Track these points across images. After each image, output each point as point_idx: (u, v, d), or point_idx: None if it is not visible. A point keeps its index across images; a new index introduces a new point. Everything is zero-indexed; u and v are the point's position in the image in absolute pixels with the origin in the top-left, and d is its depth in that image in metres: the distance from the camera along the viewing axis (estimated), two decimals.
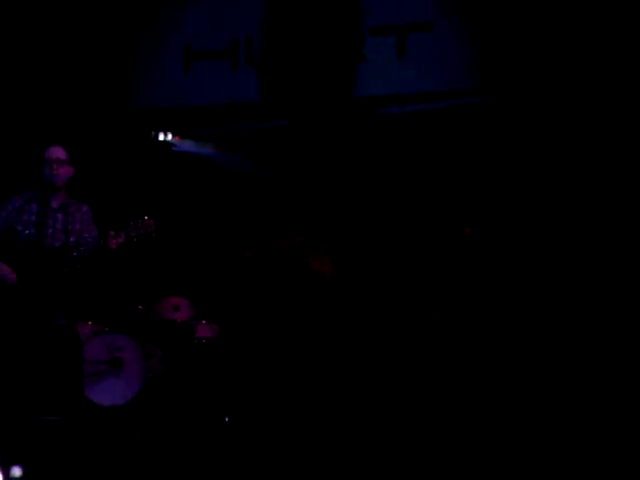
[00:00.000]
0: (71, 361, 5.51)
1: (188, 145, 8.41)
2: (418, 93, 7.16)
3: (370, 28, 7.19)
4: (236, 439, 6.13)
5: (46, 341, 5.43)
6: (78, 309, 5.83)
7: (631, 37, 6.33)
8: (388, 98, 7.30)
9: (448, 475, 5.05)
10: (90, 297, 7.09)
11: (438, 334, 6.79)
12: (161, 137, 8.29)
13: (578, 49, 6.49)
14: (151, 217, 5.59)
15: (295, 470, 5.11)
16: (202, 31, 7.64)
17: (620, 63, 6.40)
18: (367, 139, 7.59)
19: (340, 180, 7.83)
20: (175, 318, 7.25)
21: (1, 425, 5.24)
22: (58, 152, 5.59)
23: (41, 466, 4.76)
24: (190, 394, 7.06)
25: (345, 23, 7.22)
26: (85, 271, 5.71)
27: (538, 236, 6.72)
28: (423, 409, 6.32)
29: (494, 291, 6.81)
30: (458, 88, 6.97)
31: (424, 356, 6.81)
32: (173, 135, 8.29)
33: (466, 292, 6.84)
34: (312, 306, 7.37)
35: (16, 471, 4.42)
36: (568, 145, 6.71)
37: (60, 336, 5.49)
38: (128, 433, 6.02)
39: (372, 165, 7.69)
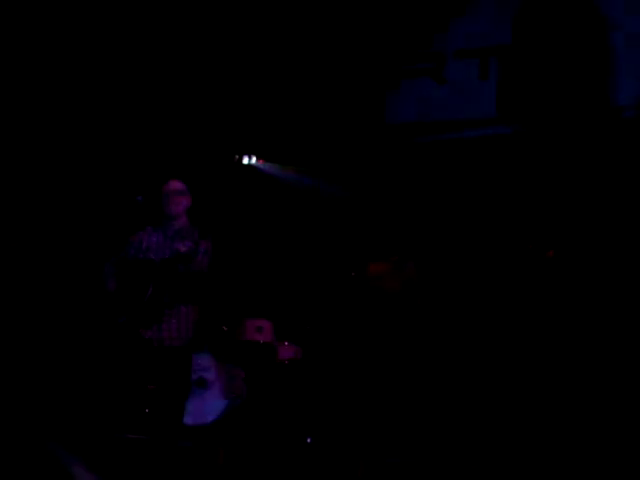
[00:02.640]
0: (176, 384, 5.56)
1: (273, 168, 8.51)
2: None
3: None
4: (318, 461, 6.12)
5: (135, 356, 5.50)
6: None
7: None
8: None
9: None
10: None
11: (517, 355, 6.69)
12: (245, 161, 8.41)
13: None
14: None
15: None
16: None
17: None
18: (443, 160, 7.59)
19: (415, 200, 7.84)
20: (258, 339, 7.30)
21: (87, 442, 5.34)
22: (176, 184, 5.75)
23: None
24: (273, 415, 7.09)
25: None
26: (173, 290, 5.78)
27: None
28: (500, 433, 6.22)
29: (568, 316, 6.69)
30: None
31: (503, 379, 6.71)
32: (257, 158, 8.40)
33: (542, 315, 6.72)
34: (394, 329, 7.34)
35: None
36: None
37: (170, 357, 5.55)
38: (212, 453, 6.06)
39: (448, 183, 7.67)
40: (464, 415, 6.72)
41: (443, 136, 7.87)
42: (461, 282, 7.60)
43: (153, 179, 5.92)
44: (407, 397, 6.92)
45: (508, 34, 7.60)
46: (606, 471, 5.00)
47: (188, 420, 6.71)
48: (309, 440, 6.58)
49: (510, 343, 6.83)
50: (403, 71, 7.97)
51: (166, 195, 5.70)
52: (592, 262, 6.65)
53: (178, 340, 5.52)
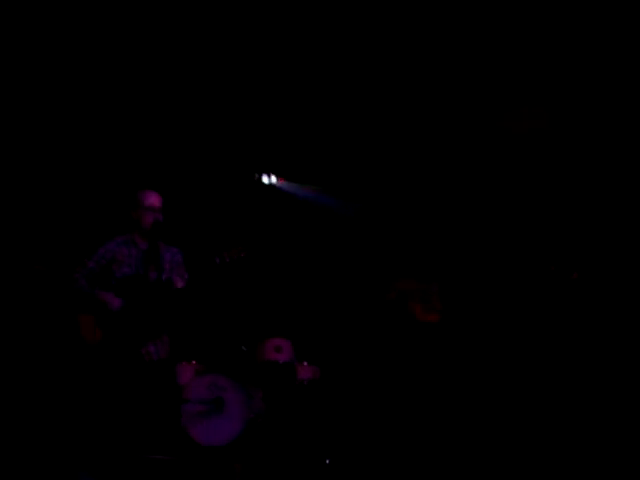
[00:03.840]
0: (173, 399, 5.55)
1: (292, 187, 8.51)
2: None
3: None
4: None
5: (145, 375, 5.49)
6: (181, 346, 5.90)
7: None
8: None
9: None
10: (193, 336, 7.19)
11: (551, 384, 6.62)
12: (265, 180, 8.43)
13: None
14: (242, 245, 5.63)
15: None
16: None
17: None
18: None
19: (437, 221, 7.83)
20: (277, 359, 7.26)
21: (107, 462, 5.32)
22: (154, 199, 5.69)
23: None
24: (291, 435, 7.04)
25: None
26: (189, 310, 5.79)
27: None
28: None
29: (593, 336, 6.63)
30: None
31: (527, 401, 6.64)
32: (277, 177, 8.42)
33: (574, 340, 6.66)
34: (414, 351, 7.30)
35: None
36: None
37: (159, 372, 5.54)
38: (230, 473, 6.03)
39: (472, 203, 7.66)
40: (485, 439, 6.65)
41: None
42: (484, 304, 7.57)
43: (174, 197, 5.90)
44: (425, 418, 6.87)
45: None
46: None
47: (206, 439, 6.70)
48: (328, 461, 6.52)
49: (533, 364, 6.77)
50: None
51: (144, 209, 5.63)
52: (616, 284, 6.60)
53: (163, 354, 5.55)
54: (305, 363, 7.35)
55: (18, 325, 7.26)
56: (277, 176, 8.44)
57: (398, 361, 7.10)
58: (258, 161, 8.40)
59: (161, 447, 5.45)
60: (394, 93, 7.50)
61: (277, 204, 8.45)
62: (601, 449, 5.95)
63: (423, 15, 6.55)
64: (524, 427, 6.54)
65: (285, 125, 8.00)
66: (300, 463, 6.55)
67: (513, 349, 7.14)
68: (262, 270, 7.92)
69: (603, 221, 6.98)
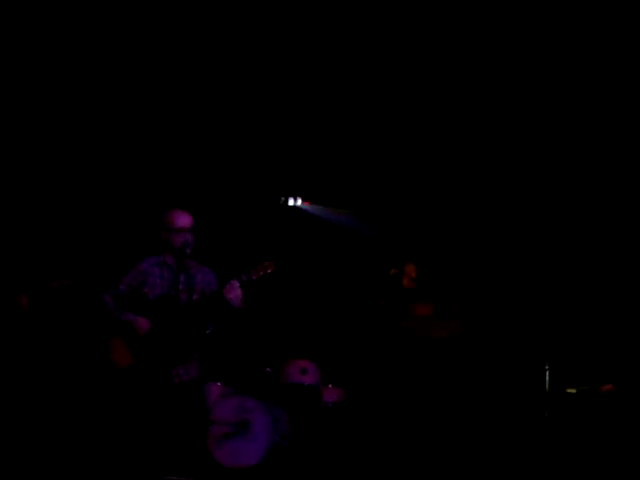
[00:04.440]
0: (199, 420, 5.55)
1: (318, 209, 8.55)
2: None
3: None
4: None
5: (175, 396, 5.49)
6: (208, 367, 5.89)
7: None
8: None
9: None
10: (220, 358, 7.21)
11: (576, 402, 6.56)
12: (291, 203, 8.47)
13: None
14: (271, 261, 5.59)
15: None
16: None
17: None
18: None
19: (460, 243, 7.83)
20: (302, 381, 7.26)
21: None
22: (185, 220, 5.69)
23: None
24: (316, 458, 7.02)
25: None
26: (215, 332, 5.78)
27: None
28: None
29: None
30: None
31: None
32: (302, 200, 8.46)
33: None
34: (437, 371, 7.27)
35: None
36: None
37: (189, 393, 5.54)
38: None
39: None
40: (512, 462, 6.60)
41: None
42: (508, 326, 7.54)
43: (200, 220, 5.91)
44: (450, 440, 6.83)
45: None
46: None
47: (231, 461, 6.70)
48: None
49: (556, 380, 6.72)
50: None
51: (174, 230, 5.56)
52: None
53: (194, 374, 5.55)
54: (330, 385, 7.35)
55: (47, 347, 7.35)
56: (302, 199, 8.49)
57: (419, 384, 7.07)
58: (284, 184, 8.46)
59: (186, 469, 5.45)
60: (421, 118, 7.54)
61: (302, 226, 8.49)
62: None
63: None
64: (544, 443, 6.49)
65: (311, 150, 8.06)
66: None
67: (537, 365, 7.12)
68: (287, 291, 7.94)
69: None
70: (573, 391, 6.61)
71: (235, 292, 5.42)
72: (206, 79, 7.23)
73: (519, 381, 7.38)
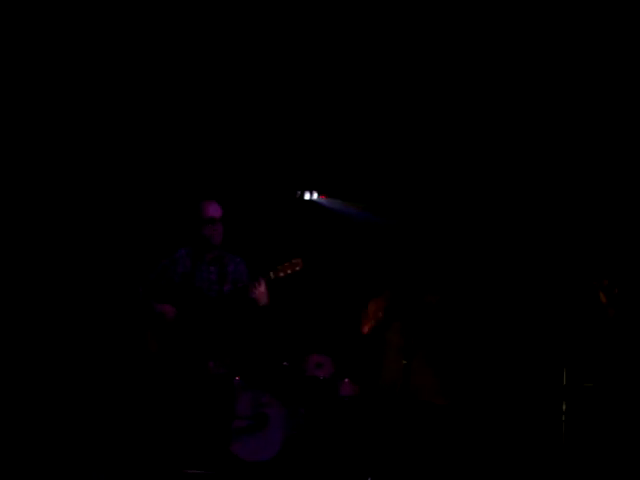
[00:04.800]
0: (222, 413, 5.53)
1: (335, 203, 8.53)
2: None
3: None
4: None
5: (202, 389, 5.49)
6: (234, 361, 5.88)
7: None
8: None
9: None
10: (238, 352, 7.22)
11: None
12: (307, 197, 8.46)
13: None
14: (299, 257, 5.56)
15: None
16: None
17: None
18: None
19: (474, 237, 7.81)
20: (318, 375, 7.26)
21: (148, 476, 5.36)
22: (214, 210, 5.67)
23: None
24: (332, 452, 7.02)
25: None
26: (236, 326, 5.78)
27: None
28: None
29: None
30: None
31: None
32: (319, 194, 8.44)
33: None
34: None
35: None
36: None
37: (217, 386, 5.54)
38: None
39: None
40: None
41: None
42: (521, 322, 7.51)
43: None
44: (463, 433, 6.81)
45: None
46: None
47: (248, 455, 6.72)
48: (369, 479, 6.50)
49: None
50: None
51: (204, 220, 5.61)
52: None
53: (223, 368, 5.54)
54: (346, 380, 7.34)
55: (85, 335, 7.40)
56: (318, 193, 8.48)
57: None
58: (300, 179, 8.45)
59: (202, 462, 5.46)
60: (436, 113, 7.51)
61: (319, 221, 8.48)
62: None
63: None
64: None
65: (327, 143, 8.05)
66: None
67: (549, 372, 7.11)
68: (304, 286, 7.93)
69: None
70: (590, 385, 6.57)
71: (261, 290, 5.42)
72: (226, 76, 7.25)
73: (536, 374, 7.35)
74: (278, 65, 7.12)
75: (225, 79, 7.28)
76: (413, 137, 7.79)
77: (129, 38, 6.68)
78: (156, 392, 5.47)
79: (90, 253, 7.42)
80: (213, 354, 5.51)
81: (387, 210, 8.25)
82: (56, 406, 7.05)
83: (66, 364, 7.27)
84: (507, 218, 7.90)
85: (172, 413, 5.39)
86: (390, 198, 8.25)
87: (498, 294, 7.75)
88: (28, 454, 6.04)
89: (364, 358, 7.43)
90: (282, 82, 7.37)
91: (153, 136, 7.61)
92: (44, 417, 6.90)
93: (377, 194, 8.27)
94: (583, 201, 7.51)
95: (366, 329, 6.47)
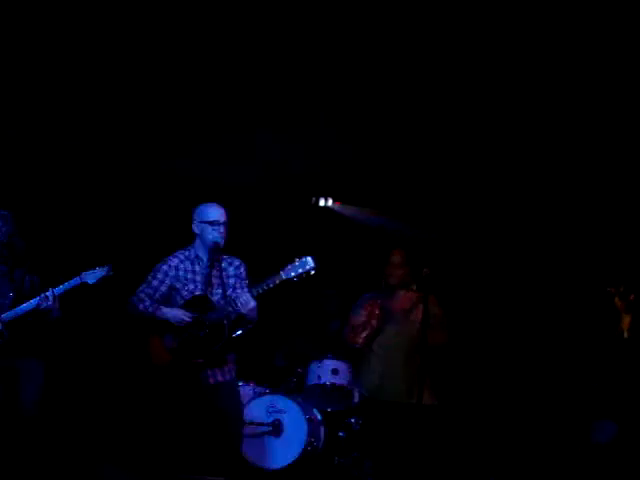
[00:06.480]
0: (232, 420, 5.53)
1: (349, 210, 8.54)
2: None
3: None
4: None
5: (209, 396, 5.49)
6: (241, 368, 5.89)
7: None
8: None
9: None
10: (253, 357, 7.21)
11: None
12: (322, 203, 8.48)
13: None
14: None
15: None
16: None
17: None
18: None
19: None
20: (334, 382, 7.22)
21: None
22: (219, 213, 5.65)
23: None
24: (349, 460, 7.00)
25: None
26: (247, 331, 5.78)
27: None
28: None
29: None
30: None
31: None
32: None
33: None
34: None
35: None
36: None
37: (223, 392, 5.54)
38: None
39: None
40: None
41: None
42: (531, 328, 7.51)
43: (230, 222, 5.89)
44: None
45: None
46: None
47: (263, 462, 6.70)
48: None
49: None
50: None
51: (207, 223, 5.56)
52: None
53: (228, 375, 5.54)
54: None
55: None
56: (333, 199, 8.49)
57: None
58: (315, 185, 8.46)
59: (216, 468, 5.46)
60: (449, 122, 7.50)
61: (333, 227, 8.48)
62: None
63: None
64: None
65: (342, 150, 8.06)
66: None
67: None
68: (319, 293, 7.93)
69: None
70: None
71: (249, 306, 5.37)
72: (239, 80, 7.25)
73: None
74: (293, 68, 7.11)
75: (238, 83, 7.28)
76: (428, 144, 7.77)
77: (128, 38, 6.70)
78: (166, 400, 5.47)
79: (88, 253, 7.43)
80: (219, 362, 5.51)
81: (402, 216, 8.25)
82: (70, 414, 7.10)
83: (73, 371, 7.32)
84: (523, 224, 7.88)
85: (179, 420, 5.40)
86: (406, 205, 8.24)
87: (514, 301, 7.73)
88: (39, 458, 6.04)
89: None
90: (298, 87, 7.37)
91: (155, 137, 7.63)
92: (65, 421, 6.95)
93: (392, 200, 8.26)
94: (599, 208, 7.49)
95: (360, 340, 6.45)
